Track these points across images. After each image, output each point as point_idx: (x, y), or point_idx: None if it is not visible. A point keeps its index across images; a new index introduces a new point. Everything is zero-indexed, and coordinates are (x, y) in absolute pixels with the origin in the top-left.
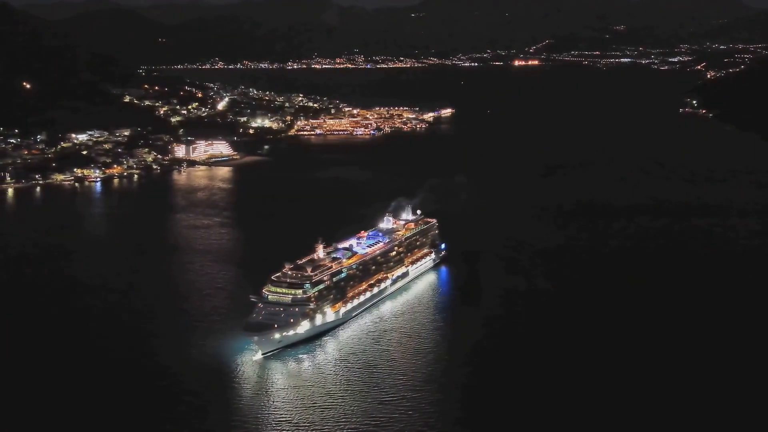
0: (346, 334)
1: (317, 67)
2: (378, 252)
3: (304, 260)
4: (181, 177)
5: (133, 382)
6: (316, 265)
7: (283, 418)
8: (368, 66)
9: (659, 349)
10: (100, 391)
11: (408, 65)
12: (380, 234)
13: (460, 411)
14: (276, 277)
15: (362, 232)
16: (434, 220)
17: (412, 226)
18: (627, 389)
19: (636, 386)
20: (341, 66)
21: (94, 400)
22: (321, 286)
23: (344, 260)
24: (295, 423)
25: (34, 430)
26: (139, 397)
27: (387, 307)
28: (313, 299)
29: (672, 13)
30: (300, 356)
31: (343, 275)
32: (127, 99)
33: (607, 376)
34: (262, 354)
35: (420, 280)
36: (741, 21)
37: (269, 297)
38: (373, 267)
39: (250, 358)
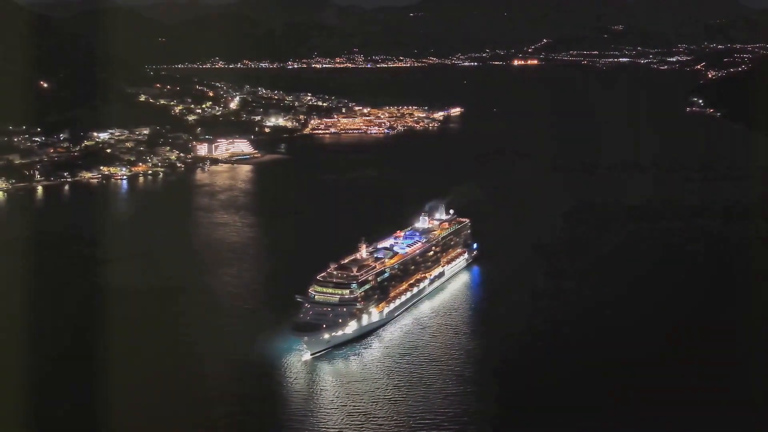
0: (390, 334)
1: (317, 66)
2: (417, 252)
3: (347, 260)
4: (205, 175)
5: (182, 386)
6: (360, 264)
7: (336, 418)
8: (368, 65)
9: (690, 346)
10: (148, 394)
11: (407, 64)
12: (417, 233)
13: (505, 404)
14: (321, 277)
15: (398, 231)
16: (467, 220)
17: (447, 226)
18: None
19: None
20: (341, 65)
21: (142, 402)
22: (367, 286)
23: (386, 260)
24: (350, 422)
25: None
26: (189, 399)
27: (426, 307)
28: (360, 299)
29: (669, 13)
30: (348, 356)
31: (386, 275)
32: (142, 98)
33: (641, 372)
34: (311, 354)
35: (454, 279)
36: (739, 21)
37: (316, 297)
38: (413, 267)
39: (299, 359)
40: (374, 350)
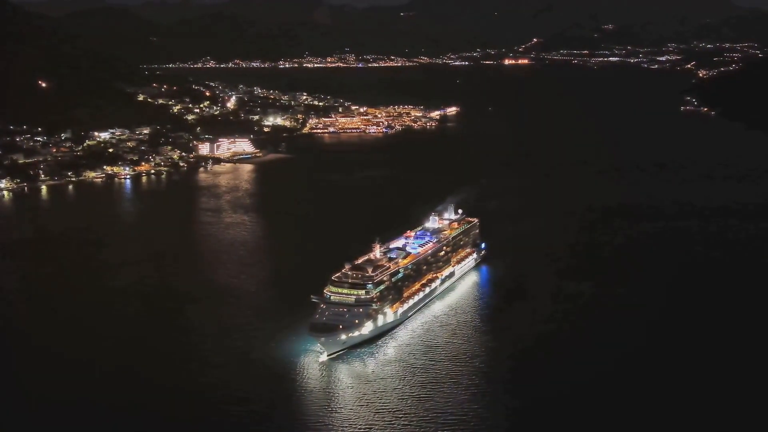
0: (406, 333)
1: (309, 66)
2: (429, 252)
3: (361, 260)
4: (207, 175)
5: (201, 387)
6: (375, 265)
7: (365, 415)
8: (360, 65)
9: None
10: (166, 397)
11: (399, 64)
12: (428, 233)
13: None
14: (337, 277)
15: (408, 231)
16: (476, 220)
17: (456, 226)
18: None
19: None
20: (333, 65)
21: (160, 406)
22: (382, 287)
23: (400, 260)
24: (378, 419)
25: None
26: (209, 400)
27: (438, 307)
28: (375, 299)
29: (660, 13)
30: (364, 357)
31: (400, 275)
32: (141, 98)
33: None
34: (328, 355)
35: (464, 279)
36: (728, 20)
37: (332, 297)
38: (425, 267)
39: (316, 359)
40: (391, 350)
